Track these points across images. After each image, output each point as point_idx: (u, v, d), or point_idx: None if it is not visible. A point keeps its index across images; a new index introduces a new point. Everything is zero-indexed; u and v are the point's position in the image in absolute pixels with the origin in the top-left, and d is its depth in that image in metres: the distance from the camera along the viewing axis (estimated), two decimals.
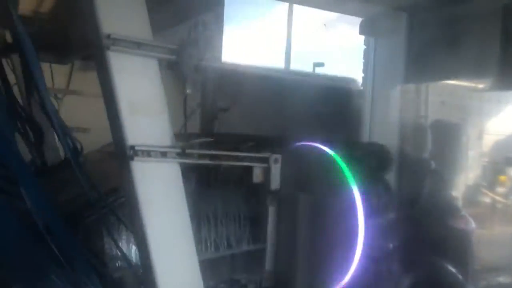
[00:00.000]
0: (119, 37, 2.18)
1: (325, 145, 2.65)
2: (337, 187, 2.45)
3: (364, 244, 2.49)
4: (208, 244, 2.57)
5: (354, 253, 2.49)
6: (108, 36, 2.15)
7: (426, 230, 3.28)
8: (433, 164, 3.64)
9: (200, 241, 2.45)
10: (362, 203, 2.46)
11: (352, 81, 6.90)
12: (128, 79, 2.25)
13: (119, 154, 2.30)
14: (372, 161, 2.84)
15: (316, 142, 2.66)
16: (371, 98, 7.46)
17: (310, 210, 2.51)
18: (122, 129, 2.24)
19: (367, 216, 2.49)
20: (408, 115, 8.79)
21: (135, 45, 2.24)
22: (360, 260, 2.51)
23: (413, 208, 3.30)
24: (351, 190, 2.39)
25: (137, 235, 2.38)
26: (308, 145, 2.61)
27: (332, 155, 2.51)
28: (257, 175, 2.56)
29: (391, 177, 3.15)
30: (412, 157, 3.81)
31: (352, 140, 5.33)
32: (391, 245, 2.83)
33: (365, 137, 7.17)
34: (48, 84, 5.76)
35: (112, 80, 2.21)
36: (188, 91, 2.30)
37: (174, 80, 6.30)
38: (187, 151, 2.33)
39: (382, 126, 7.52)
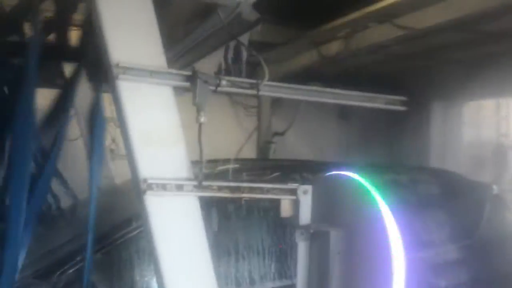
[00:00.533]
0: (130, 66, 2.09)
1: (364, 172, 2.40)
2: (372, 219, 2.20)
3: (409, 284, 2.20)
4: (228, 280, 2.38)
5: None
6: (117, 65, 2.07)
7: (487, 265, 2.89)
8: (495, 189, 3.23)
9: (219, 277, 2.27)
10: (403, 236, 2.18)
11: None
12: (141, 109, 2.16)
13: (134, 187, 2.20)
14: (420, 187, 2.55)
15: (353, 169, 2.42)
16: (442, 116, 7.00)
17: (343, 246, 2.27)
18: (134, 161, 2.14)
19: (412, 251, 2.21)
20: (485, 133, 8.20)
21: (147, 73, 2.14)
22: None
23: (470, 239, 2.92)
24: (384, 223, 2.12)
25: (156, 271, 2.26)
26: (341, 173, 2.38)
27: (366, 183, 2.26)
28: (285, 209, 2.35)
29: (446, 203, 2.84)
30: (471, 181, 3.42)
31: (409, 165, 4.97)
32: (444, 284, 2.51)
33: (435, 159, 6.73)
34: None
35: (123, 109, 2.13)
36: (202, 119, 2.16)
37: (232, 104, 6.25)
38: (204, 183, 2.18)
39: (454, 146, 7.03)
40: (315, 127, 6.77)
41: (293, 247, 2.34)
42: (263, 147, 5.90)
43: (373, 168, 2.30)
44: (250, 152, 6.15)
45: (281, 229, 2.52)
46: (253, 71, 3.16)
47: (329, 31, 4.63)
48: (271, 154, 5.84)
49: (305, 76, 4.73)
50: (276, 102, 6.03)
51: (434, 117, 7.02)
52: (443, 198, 2.99)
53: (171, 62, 2.84)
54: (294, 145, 6.29)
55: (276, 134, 5.95)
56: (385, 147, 6.85)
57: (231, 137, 6.34)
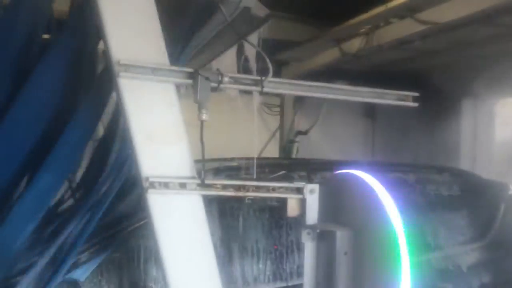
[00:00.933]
0: (131, 63, 2.08)
1: (370, 171, 2.33)
2: (379, 219, 2.13)
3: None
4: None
5: None
6: (118, 63, 2.06)
7: (499, 269, 2.76)
8: None
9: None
10: (410, 238, 2.11)
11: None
12: (143, 106, 2.14)
13: (138, 185, 2.19)
14: (429, 187, 2.45)
15: (360, 168, 2.35)
16: (472, 114, 6.78)
17: (349, 246, 2.21)
18: (137, 159, 2.13)
19: (418, 253, 2.13)
20: None
21: (149, 71, 2.12)
22: None
23: (482, 241, 2.79)
24: (391, 223, 2.05)
25: (160, 269, 2.25)
26: (349, 172, 2.31)
27: (373, 183, 2.19)
28: (293, 208, 2.29)
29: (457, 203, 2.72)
30: (485, 180, 3.28)
31: (420, 164, 4.81)
32: (450, 286, 2.40)
33: (465, 158, 6.53)
34: None
35: (125, 107, 2.12)
36: (204, 117, 2.13)
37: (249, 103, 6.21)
38: (207, 181, 2.15)
39: (486, 145, 6.79)
40: (340, 126, 6.68)
41: (289, 248, 2.28)
42: (286, 146, 5.86)
43: (380, 167, 2.22)
44: (273, 151, 6.11)
45: (276, 230, 2.44)
46: (278, 69, 3.06)
47: (350, 28, 4.55)
48: (294, 153, 5.79)
49: (328, 75, 4.65)
50: (299, 101, 5.97)
51: (464, 115, 6.80)
52: (453, 198, 2.87)
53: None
54: (318, 144, 6.21)
55: (300, 133, 5.90)
56: (413, 147, 6.69)
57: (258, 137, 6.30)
